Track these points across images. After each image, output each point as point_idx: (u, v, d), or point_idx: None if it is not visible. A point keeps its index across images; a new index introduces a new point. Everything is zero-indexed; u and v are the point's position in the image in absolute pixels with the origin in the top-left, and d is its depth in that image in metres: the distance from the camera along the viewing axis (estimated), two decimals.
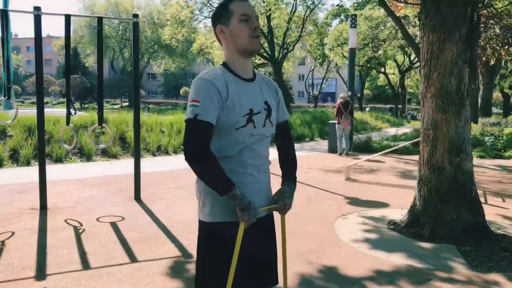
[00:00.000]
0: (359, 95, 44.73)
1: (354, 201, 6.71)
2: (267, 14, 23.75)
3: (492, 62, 21.24)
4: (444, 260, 4.26)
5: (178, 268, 3.97)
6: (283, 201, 2.05)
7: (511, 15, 20.04)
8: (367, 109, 42.66)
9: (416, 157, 11.68)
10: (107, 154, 11.03)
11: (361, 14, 31.68)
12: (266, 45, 24.75)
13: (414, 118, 43.20)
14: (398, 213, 5.91)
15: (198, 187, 2.00)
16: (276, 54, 25.04)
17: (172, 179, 8.43)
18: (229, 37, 1.98)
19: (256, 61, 31.28)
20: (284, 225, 2.15)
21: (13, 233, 4.89)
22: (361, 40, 32.82)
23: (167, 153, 12.27)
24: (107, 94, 58.54)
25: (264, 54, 23.85)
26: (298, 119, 18.94)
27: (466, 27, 4.69)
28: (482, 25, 19.72)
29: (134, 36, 6.46)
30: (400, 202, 6.59)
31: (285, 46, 25.97)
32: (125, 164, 10.05)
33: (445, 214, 4.79)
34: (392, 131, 22.93)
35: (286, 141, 2.21)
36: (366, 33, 32.23)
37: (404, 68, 41.19)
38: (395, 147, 11.10)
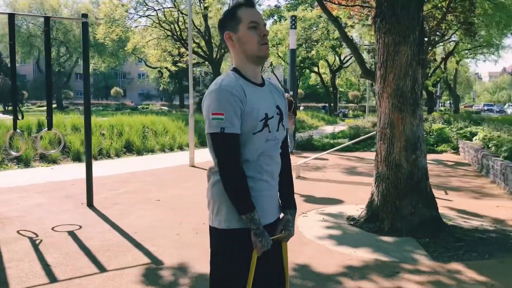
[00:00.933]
0: (292, 93, 45.72)
1: (310, 199, 6.86)
2: (204, 14, 23.60)
3: None
4: (407, 252, 4.47)
5: (151, 276, 3.87)
6: (289, 230, 2.07)
7: (435, 17, 21.33)
8: (301, 108, 43.56)
9: (356, 154, 12.16)
10: (46, 159, 10.49)
11: (294, 15, 32.31)
12: (203, 44, 24.59)
13: (345, 116, 44.75)
14: (354, 209, 6.12)
15: (213, 193, 1.97)
16: (214, 54, 24.92)
17: (120, 183, 8.17)
18: (238, 44, 1.98)
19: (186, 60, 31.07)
20: (286, 251, 2.14)
21: None
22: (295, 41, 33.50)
23: (109, 156, 11.87)
24: (33, 95, 55.63)
25: (201, 53, 23.65)
26: None
27: (418, 30, 4.95)
28: None
29: (84, 36, 6.20)
30: (353, 198, 6.83)
31: (223, 46, 25.90)
32: (68, 169, 9.63)
33: (403, 209, 5.03)
34: (328, 129, 23.66)
35: (284, 157, 2.15)
36: (299, 34, 32.91)
37: (335, 68, 42.49)
38: (343, 145, 11.38)
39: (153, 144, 13.46)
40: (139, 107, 48.70)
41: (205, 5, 22.01)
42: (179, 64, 28.06)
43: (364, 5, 21.08)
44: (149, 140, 13.54)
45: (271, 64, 39.46)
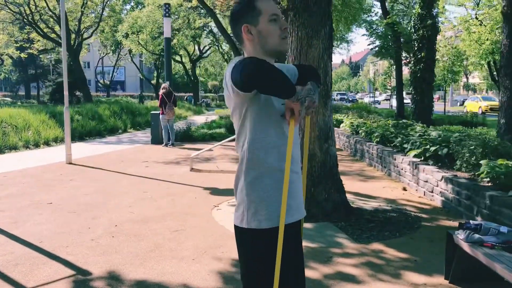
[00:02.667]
0: (154, 82, 44.66)
1: (216, 191, 6.81)
2: None
3: None
4: (330, 237, 4.70)
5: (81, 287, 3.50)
6: (311, 97, 1.79)
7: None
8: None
9: (223, 143, 12.31)
10: None
11: (154, 2, 31.47)
12: (58, 28, 22.58)
13: (208, 105, 45.20)
14: None
15: (249, 193, 1.84)
16: (72, 41, 23.10)
17: None
18: (258, 37, 1.88)
19: (39, 46, 28.38)
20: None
21: None
22: (156, 29, 32.68)
23: None
24: None
25: (58, 39, 21.74)
26: (106, 109, 17.94)
27: (329, 25, 5.19)
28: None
29: None
30: None
31: (81, 32, 24.15)
32: None
33: (318, 195, 5.27)
34: (197, 119, 23.63)
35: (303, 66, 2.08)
36: (161, 22, 32.16)
37: (194, 58, 42.51)
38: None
39: (15, 140, 12.04)
40: None
41: None
42: (29, 51, 25.45)
43: None
44: (10, 136, 12.08)
45: (131, 52, 37.97)
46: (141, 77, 42.64)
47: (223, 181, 7.52)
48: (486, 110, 31.35)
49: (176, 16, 33.24)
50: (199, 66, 52.82)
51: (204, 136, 14.02)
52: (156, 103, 32.07)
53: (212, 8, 17.76)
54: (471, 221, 3.44)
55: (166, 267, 3.91)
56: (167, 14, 14.31)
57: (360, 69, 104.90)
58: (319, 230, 4.92)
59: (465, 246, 3.29)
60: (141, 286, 3.54)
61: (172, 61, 44.48)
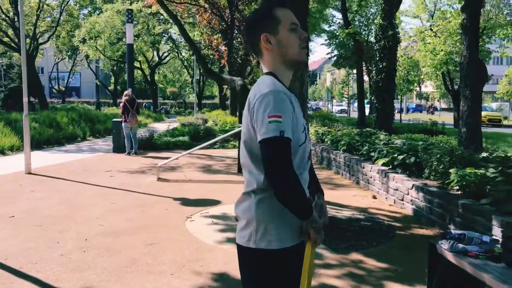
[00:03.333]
0: (111, 88, 43.73)
1: (186, 201, 6.66)
2: None
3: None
4: None
5: None
6: (326, 216, 1.95)
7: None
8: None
9: (200, 152, 12.15)
10: None
11: (113, 8, 30.90)
12: (11, 33, 21.77)
13: (168, 112, 44.63)
14: None
15: (259, 213, 1.76)
16: (28, 45, 22.27)
17: None
18: (277, 47, 1.81)
19: None
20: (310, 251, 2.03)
21: None
22: (114, 35, 32.07)
23: None
24: None
25: (12, 44, 20.93)
26: (64, 117, 17.33)
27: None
28: (236, 28, 21.83)
29: None
30: (227, 197, 6.85)
31: (36, 37, 23.35)
32: None
33: None
34: (158, 126, 23.22)
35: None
36: (120, 27, 31.59)
37: (153, 64, 41.98)
38: (211, 141, 11.08)
39: None
40: None
41: None
42: None
43: (193, 3, 21.38)
44: None
45: (87, 57, 37.03)
46: (98, 83, 41.63)
47: (193, 191, 7.38)
48: (483, 121, 31.99)
49: (136, 22, 32.74)
50: (158, 73, 52.19)
51: (167, 144, 13.78)
52: (114, 110, 31.44)
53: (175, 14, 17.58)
54: (453, 231, 3.48)
55: (145, 283, 3.76)
56: (129, 20, 14.02)
57: (318, 77, 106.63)
58: None
59: (450, 256, 3.32)
60: None
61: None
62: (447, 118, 32.77)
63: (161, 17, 34.82)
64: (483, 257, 3.20)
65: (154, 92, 42.15)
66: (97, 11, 37.03)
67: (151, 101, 42.06)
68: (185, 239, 4.94)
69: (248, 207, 1.79)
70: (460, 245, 3.32)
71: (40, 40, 26.23)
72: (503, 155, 6.93)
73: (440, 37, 24.47)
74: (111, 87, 45.23)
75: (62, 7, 24.28)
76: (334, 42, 27.29)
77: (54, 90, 53.68)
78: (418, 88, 59.25)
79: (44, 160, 10.87)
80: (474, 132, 9.04)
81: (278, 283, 1.76)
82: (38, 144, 13.92)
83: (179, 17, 22.60)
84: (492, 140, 13.72)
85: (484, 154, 7.18)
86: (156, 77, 47.24)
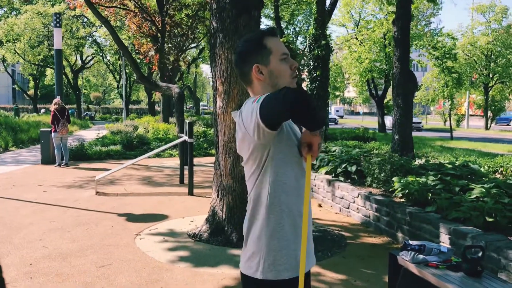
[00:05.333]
0: (31, 93, 41.33)
1: (132, 217, 6.40)
2: None
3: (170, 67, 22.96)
4: None
5: None
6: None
7: (187, 25, 22.53)
8: (43, 110, 39.63)
9: (140, 162, 11.79)
10: None
11: (34, 9, 29.33)
12: None
13: (93, 118, 42.89)
14: (185, 222, 6.04)
15: (263, 242, 1.73)
16: None
17: None
18: (269, 77, 1.80)
19: None
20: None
21: None
22: (35, 38, 30.41)
23: None
24: None
25: None
26: None
27: None
28: (167, 33, 21.47)
29: None
30: (174, 211, 6.70)
31: None
32: None
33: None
34: (86, 134, 22.24)
35: None
36: (40, 30, 29.99)
37: (76, 68, 40.26)
38: (157, 150, 10.72)
39: None
40: None
41: None
42: None
43: (122, 7, 20.74)
44: None
45: (4, 61, 34.71)
46: (16, 88, 39.20)
47: (137, 205, 7.12)
48: None
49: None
50: (82, 77, 50.12)
51: (99, 154, 13.22)
52: (36, 116, 29.68)
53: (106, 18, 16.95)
54: (412, 242, 3.63)
55: None
56: (58, 24, 13.32)
57: None
58: None
59: (412, 267, 3.45)
60: None
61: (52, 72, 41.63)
62: (371, 123, 34.33)
63: (85, 20, 33.54)
64: (442, 267, 3.36)
65: (78, 97, 40.36)
66: (14, 12, 34.92)
67: (75, 106, 40.20)
68: (139, 258, 4.75)
69: (258, 236, 1.77)
70: (421, 256, 3.47)
71: None
72: (438, 162, 7.37)
73: (365, 46, 25.63)
74: (31, 92, 42.72)
75: None
76: None
77: None
78: (342, 94, 61.67)
79: None
80: (406, 139, 9.54)
81: None
82: None
83: (112, 21, 21.88)
84: (417, 144, 14.52)
85: (420, 161, 7.60)
86: (79, 82, 45.31)
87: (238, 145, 1.82)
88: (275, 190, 1.75)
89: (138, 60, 28.53)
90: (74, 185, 8.87)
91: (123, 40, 28.38)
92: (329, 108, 36.02)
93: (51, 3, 31.22)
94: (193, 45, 30.57)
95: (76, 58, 41.43)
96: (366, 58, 25.46)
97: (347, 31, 29.47)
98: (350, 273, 4.35)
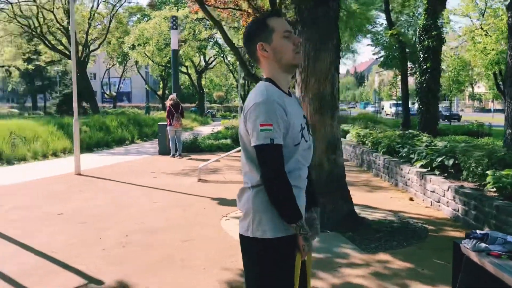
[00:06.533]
0: (160, 93, 44.92)
1: (224, 201, 6.88)
2: (66, 8, 21.98)
3: None
4: (337, 247, 4.75)
5: None
6: (316, 228, 2.16)
7: None
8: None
9: (240, 154, 12.45)
10: None
11: (161, 14, 31.81)
12: (65, 40, 22.91)
13: (214, 116, 45.34)
14: None
15: (255, 204, 1.91)
16: (79, 53, 23.38)
17: (7, 197, 7.33)
18: (272, 54, 1.97)
19: (46, 58, 28.70)
20: (310, 258, 2.15)
21: None
22: (162, 40, 33.00)
23: None
24: None
25: (66, 51, 22.04)
26: (114, 121, 18.09)
27: (336, 37, 5.28)
28: None
29: None
30: None
31: (88, 44, 24.46)
32: None
33: (325, 206, 5.31)
34: (203, 130, 23.73)
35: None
36: (167, 33, 32.47)
37: (200, 69, 42.77)
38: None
39: (24, 151, 12.16)
40: None
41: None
42: (37, 63, 25.77)
43: (236, 8, 21.69)
44: (19, 148, 12.21)
45: (137, 63, 38.27)
46: (147, 88, 43.03)
47: (231, 192, 7.58)
48: None
49: (182, 28, 33.56)
50: (205, 77, 53.14)
51: (211, 147, 14.11)
52: (163, 114, 32.30)
53: (219, 20, 17.93)
54: (477, 231, 3.48)
55: (177, 277, 3.97)
56: (174, 27, 14.48)
57: (365, 79, 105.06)
58: (326, 240, 4.96)
59: (472, 255, 3.33)
60: None
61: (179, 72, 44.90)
62: (499, 120, 31.44)
63: (207, 22, 35.56)
64: (505, 257, 3.20)
65: (201, 96, 42.96)
66: (145, 18, 38.28)
67: (194, 104, 42.83)
68: (220, 236, 5.14)
69: (246, 199, 1.95)
70: (483, 245, 3.32)
71: (92, 47, 27.38)
72: None
73: (491, 36, 23.63)
74: (160, 92, 46.47)
75: (112, 15, 25.26)
76: (380, 43, 26.93)
77: (105, 96, 55.81)
78: (470, 89, 57.27)
79: (93, 162, 11.43)
80: None
81: (272, 270, 1.91)
82: (89, 147, 14.61)
83: (224, 22, 23.04)
84: None
85: None
86: (203, 82, 48.12)
87: (240, 129, 1.99)
88: None
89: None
90: (181, 173, 9.67)
91: (240, 41, 29.70)
92: (451, 103, 33.85)
93: (176, 8, 33.61)
94: None
95: (200, 59, 44.10)
96: (493, 49, 23.45)
97: (471, 21, 27.39)
98: (420, 263, 4.26)
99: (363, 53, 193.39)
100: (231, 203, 6.78)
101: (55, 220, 5.91)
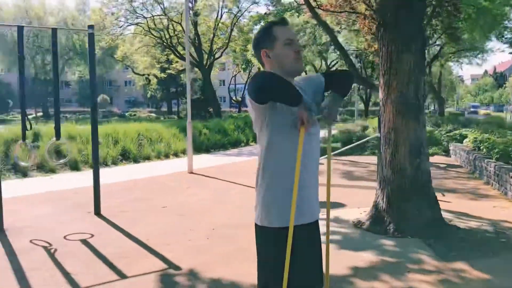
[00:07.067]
0: None
1: None
2: (194, 20, 23.76)
3: None
4: (413, 253, 4.64)
5: (169, 281, 4.00)
6: (332, 108, 2.13)
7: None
8: None
9: (350, 158, 12.35)
10: (44, 169, 10.50)
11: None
12: (193, 50, 24.73)
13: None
14: (357, 212, 6.28)
15: (265, 195, 2.12)
16: (204, 61, 25.08)
17: (125, 191, 8.26)
18: (274, 60, 2.15)
19: (178, 67, 31.14)
20: (328, 230, 2.28)
21: None
22: None
23: (106, 164, 11.88)
24: (18, 104, 54.96)
25: (192, 60, 23.80)
26: (231, 124, 19.13)
27: (421, 39, 5.15)
28: None
29: (90, 47, 6.30)
30: (354, 202, 6.99)
31: (213, 52, 26.11)
32: (67, 178, 9.67)
33: (408, 211, 5.21)
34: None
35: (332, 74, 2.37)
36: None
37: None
38: (342, 149, 11.47)
39: (149, 151, 13.51)
40: (126, 114, 48.61)
41: (195, 12, 22.19)
42: (169, 71, 28.15)
43: (352, 11, 21.52)
44: (145, 148, 13.59)
45: (259, 70, 39.79)
46: None
47: (324, 194, 7.66)
48: None
49: (303, 34, 34.04)
50: None
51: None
52: None
53: (337, 23, 17.97)
54: None
55: (250, 269, 4.23)
56: None
57: (505, 79, 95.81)
58: (403, 246, 4.86)
59: None
60: (217, 283, 3.94)
61: None
62: None
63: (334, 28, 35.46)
64: None
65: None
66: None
67: None
68: None
69: (258, 191, 2.15)
70: None
71: (217, 55, 29.15)
72: None
73: None
74: None
75: (233, 24, 26.66)
76: None
77: (233, 101, 58.68)
78: None
79: (207, 162, 12.30)
80: None
81: (276, 255, 2.09)
82: (207, 148, 15.68)
83: (345, 25, 22.98)
84: None
85: None
86: None
87: (251, 114, 2.21)
88: (270, 153, 2.10)
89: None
90: None
91: (359, 43, 29.27)
92: None
93: (297, 14, 34.19)
94: (431, 43, 29.24)
95: (321, 63, 44.23)
96: None
97: None
98: (499, 276, 4.00)
99: (504, 52, 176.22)
100: (320, 205, 6.88)
101: (159, 212, 6.58)
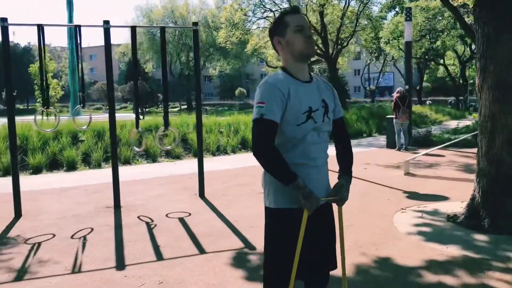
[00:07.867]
0: (418, 88, 43.62)
1: (413, 195, 6.74)
2: (320, 11, 23.70)
3: None
4: (503, 251, 4.27)
5: (243, 259, 4.25)
6: (341, 194, 2.25)
7: None
8: (428, 102, 41.33)
9: (473, 150, 11.39)
10: (171, 155, 11.59)
11: (417, 6, 30.90)
12: (319, 41, 24.73)
13: (476, 110, 41.53)
14: (458, 206, 5.90)
15: (264, 178, 2.25)
16: (330, 50, 24.93)
17: (233, 177, 8.77)
18: (286, 46, 2.24)
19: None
20: (341, 216, 2.34)
21: (92, 229, 5.37)
22: (417, 32, 32.03)
23: (226, 153, 12.67)
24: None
25: (318, 51, 23.82)
26: (354, 115, 18.83)
27: None
28: None
29: (194, 42, 6.84)
30: (460, 195, 6.56)
31: (339, 42, 25.79)
32: (188, 164, 10.53)
33: (506, 206, 4.78)
34: (453, 124, 22.25)
35: (342, 136, 2.42)
36: (423, 25, 31.41)
37: (465, 59, 39.70)
38: (453, 141, 10.81)
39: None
40: None
41: (321, 3, 22.10)
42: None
43: None
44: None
45: (393, 58, 38.22)
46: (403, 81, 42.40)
47: (431, 187, 7.31)
48: None
49: (441, 18, 31.91)
50: (470, 67, 48.99)
51: (444, 142, 13.35)
52: (417, 107, 31.49)
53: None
54: None
55: None
56: (408, 18, 14.20)
57: None
58: (494, 242, 4.50)
59: None
60: None
61: (438, 65, 42.68)
62: None
63: (470, 9, 32.74)
64: None
65: (465, 88, 40.01)
66: (396, 10, 37.77)
67: (454, 98, 40.01)
68: (382, 225, 5.22)
69: (262, 174, 2.27)
70: None
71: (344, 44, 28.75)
72: None
73: None
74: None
75: (359, 12, 25.98)
76: None
77: (366, 91, 57.33)
78: None
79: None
80: None
81: (279, 236, 2.20)
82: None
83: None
84: None
85: None
86: (467, 72, 44.51)
87: None
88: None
89: None
90: (393, 166, 9.66)
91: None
92: None
93: None
94: None
95: (464, 48, 40.98)
96: None
97: None
98: None
99: None
100: (421, 197, 6.61)
101: (254, 197, 6.91)
